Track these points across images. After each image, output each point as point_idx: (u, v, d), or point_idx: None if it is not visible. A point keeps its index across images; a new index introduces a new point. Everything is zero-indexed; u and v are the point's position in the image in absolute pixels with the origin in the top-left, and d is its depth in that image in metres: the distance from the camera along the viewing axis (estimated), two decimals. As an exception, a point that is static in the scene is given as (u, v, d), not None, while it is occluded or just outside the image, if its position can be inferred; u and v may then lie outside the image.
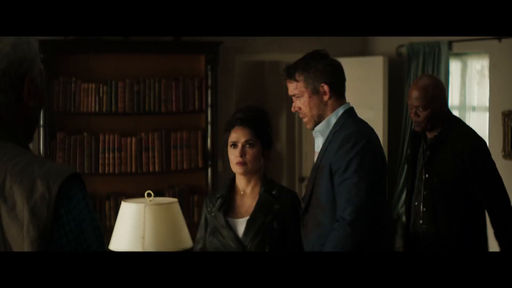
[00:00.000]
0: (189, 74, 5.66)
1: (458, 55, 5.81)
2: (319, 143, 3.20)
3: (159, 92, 5.52)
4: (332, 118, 3.10)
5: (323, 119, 3.11)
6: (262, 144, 3.10)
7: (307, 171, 7.19)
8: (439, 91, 3.71)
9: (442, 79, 5.42)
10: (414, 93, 3.70)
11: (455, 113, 5.14)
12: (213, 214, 3.14)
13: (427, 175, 3.70)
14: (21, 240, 1.45)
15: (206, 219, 3.20)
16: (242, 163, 3.07)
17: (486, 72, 5.61)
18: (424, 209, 3.70)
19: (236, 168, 3.12)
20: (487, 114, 5.56)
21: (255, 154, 3.09)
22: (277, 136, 7.40)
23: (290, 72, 3.16)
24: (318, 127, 3.14)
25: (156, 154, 5.53)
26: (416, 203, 3.76)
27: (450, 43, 5.70)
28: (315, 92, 3.09)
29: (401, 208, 5.94)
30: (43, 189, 1.46)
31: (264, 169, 3.22)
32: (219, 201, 3.16)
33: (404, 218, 5.65)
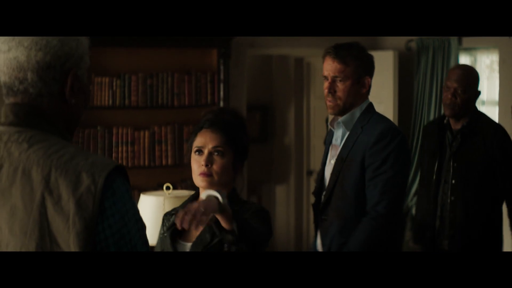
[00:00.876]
0: (201, 68, 5.69)
1: (468, 49, 5.85)
2: (338, 135, 3.21)
3: (172, 86, 5.55)
4: (357, 112, 3.15)
5: (350, 110, 3.14)
6: (234, 154, 2.50)
7: (315, 164, 7.23)
8: (477, 81, 3.84)
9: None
10: (457, 74, 3.79)
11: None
12: (165, 235, 2.56)
13: (455, 164, 3.77)
14: (66, 232, 1.47)
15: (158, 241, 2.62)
16: (207, 174, 2.46)
17: (496, 66, 5.65)
18: (453, 197, 3.77)
19: (198, 180, 2.50)
20: (496, 108, 5.60)
21: (224, 165, 2.47)
22: (285, 130, 7.45)
23: (342, 54, 3.13)
24: (344, 118, 3.16)
25: (169, 147, 5.57)
26: (443, 194, 3.82)
27: (459, 38, 5.74)
28: (358, 82, 3.13)
29: (410, 201, 5.99)
30: (89, 182, 1.49)
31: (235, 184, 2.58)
32: (172, 218, 2.54)
33: (413, 211, 5.73)
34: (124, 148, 5.47)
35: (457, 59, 5.71)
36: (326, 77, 3.16)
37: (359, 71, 3.12)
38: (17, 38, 1.58)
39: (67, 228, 1.47)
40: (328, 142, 3.33)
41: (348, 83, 3.11)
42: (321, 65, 7.75)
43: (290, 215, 7.43)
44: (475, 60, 5.87)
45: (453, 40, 5.73)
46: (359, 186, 3.06)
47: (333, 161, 3.20)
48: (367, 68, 3.16)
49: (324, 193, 3.20)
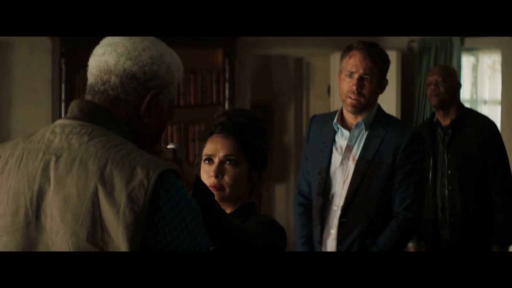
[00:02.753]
0: (207, 67, 5.71)
1: (470, 49, 5.90)
2: (353, 136, 3.15)
3: (178, 85, 5.56)
4: (373, 113, 3.16)
5: (368, 111, 3.15)
6: (249, 163, 2.16)
7: (315, 163, 7.26)
8: (455, 73, 4.15)
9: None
10: (436, 69, 4.11)
11: (467, 106, 5.29)
12: None
13: (449, 156, 3.94)
14: (116, 223, 1.50)
15: None
16: (217, 187, 2.11)
17: (498, 66, 5.71)
18: (450, 187, 3.93)
19: None
20: (498, 108, 5.66)
21: (238, 176, 2.13)
22: (285, 129, 7.48)
23: (373, 53, 3.12)
24: (365, 119, 3.14)
25: (175, 146, 5.58)
26: (441, 186, 3.97)
27: (462, 38, 5.78)
28: (379, 83, 3.15)
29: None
30: (142, 176, 1.52)
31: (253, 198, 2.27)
32: None
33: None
34: (131, 147, 5.48)
35: (459, 59, 5.75)
36: (351, 73, 3.10)
37: (383, 72, 3.15)
38: (114, 44, 1.67)
39: (117, 219, 1.50)
40: (328, 140, 3.23)
41: (374, 83, 3.11)
42: (321, 64, 7.71)
43: (289, 214, 7.46)
44: (477, 60, 5.92)
45: (455, 40, 5.78)
46: (386, 188, 3.08)
47: (347, 162, 3.15)
48: (387, 71, 3.19)
49: (344, 195, 3.14)
